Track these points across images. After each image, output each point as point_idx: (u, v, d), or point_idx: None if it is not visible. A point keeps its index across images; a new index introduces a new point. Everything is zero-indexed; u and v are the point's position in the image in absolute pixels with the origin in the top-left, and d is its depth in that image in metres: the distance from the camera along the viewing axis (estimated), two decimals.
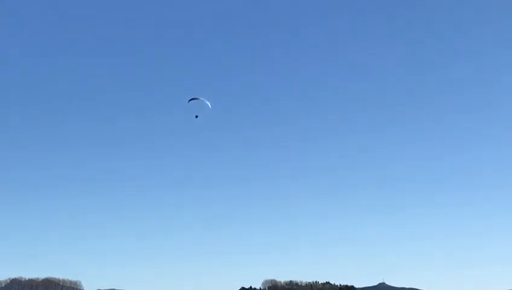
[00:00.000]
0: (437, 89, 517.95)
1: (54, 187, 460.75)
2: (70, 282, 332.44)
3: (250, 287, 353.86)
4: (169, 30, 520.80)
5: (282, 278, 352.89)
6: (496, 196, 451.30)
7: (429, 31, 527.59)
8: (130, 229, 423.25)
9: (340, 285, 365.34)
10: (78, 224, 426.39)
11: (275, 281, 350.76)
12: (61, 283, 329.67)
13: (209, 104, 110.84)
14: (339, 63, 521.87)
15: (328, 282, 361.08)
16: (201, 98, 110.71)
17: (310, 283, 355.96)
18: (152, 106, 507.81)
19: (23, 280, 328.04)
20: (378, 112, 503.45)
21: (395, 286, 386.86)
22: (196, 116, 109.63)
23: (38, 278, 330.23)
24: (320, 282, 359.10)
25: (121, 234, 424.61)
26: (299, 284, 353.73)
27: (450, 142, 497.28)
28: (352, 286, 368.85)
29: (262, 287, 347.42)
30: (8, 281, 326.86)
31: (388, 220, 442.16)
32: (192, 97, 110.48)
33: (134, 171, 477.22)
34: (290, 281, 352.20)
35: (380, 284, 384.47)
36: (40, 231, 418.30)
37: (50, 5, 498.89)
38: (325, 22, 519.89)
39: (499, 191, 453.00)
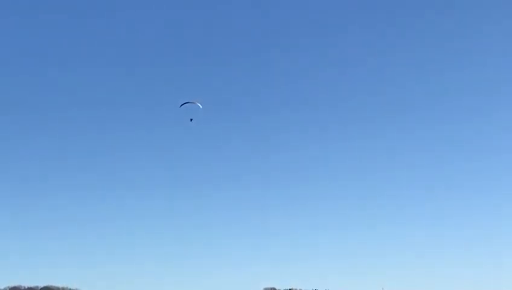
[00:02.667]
0: (440, 92, 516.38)
1: (53, 194, 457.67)
2: None
3: None
4: (169, 31, 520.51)
5: (282, 285, 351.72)
6: (499, 204, 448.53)
7: (430, 32, 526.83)
8: (129, 237, 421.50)
9: None
10: (78, 231, 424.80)
11: (274, 289, 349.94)
12: None
13: (200, 105, 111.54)
14: (338, 63, 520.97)
15: None
16: (192, 101, 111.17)
17: None
18: (150, 107, 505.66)
19: (22, 288, 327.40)
20: (379, 117, 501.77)
21: None
22: (191, 120, 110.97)
23: (37, 286, 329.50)
24: None
25: (121, 241, 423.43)
26: None
27: (451, 149, 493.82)
28: None
29: None
30: (8, 289, 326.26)
31: (388, 227, 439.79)
32: (183, 102, 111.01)
33: (133, 177, 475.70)
34: (290, 288, 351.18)
35: None
36: (39, 238, 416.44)
37: (52, 6, 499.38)
38: (325, 23, 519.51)
39: (502, 199, 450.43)
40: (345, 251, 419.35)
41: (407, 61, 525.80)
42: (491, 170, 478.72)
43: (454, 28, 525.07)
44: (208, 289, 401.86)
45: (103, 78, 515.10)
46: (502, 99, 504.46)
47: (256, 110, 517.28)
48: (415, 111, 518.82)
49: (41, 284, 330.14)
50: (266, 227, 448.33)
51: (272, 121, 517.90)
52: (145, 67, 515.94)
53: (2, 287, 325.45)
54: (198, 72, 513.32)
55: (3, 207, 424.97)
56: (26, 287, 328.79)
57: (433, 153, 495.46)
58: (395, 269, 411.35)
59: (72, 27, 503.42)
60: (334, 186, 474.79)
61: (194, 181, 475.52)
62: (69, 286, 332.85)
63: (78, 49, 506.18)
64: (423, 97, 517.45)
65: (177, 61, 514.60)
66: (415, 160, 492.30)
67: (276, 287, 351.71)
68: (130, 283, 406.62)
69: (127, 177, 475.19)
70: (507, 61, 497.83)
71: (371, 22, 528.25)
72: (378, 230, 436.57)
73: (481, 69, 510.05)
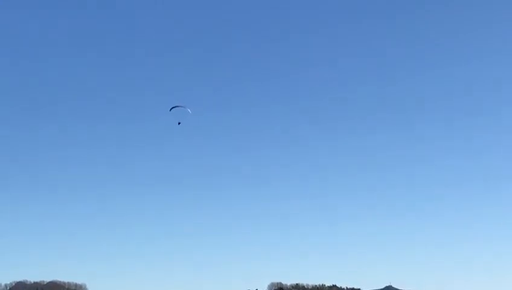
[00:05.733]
0: (439, 91, 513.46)
1: (59, 190, 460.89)
2: (76, 285, 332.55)
3: None
4: (167, 32, 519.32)
5: (289, 280, 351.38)
6: (503, 199, 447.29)
7: (428, 32, 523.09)
8: (134, 233, 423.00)
9: (346, 288, 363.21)
10: (84, 227, 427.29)
11: (281, 283, 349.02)
12: (66, 286, 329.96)
13: (189, 111, 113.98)
14: (335, 64, 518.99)
15: (335, 285, 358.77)
16: (181, 106, 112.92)
17: (316, 285, 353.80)
18: (149, 108, 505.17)
19: (28, 283, 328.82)
20: (382, 114, 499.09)
21: (402, 289, 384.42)
22: (179, 123, 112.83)
23: (43, 281, 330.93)
24: (326, 285, 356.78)
25: (125, 237, 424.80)
26: (306, 287, 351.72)
27: (455, 145, 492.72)
28: (359, 289, 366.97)
29: None
30: (13, 284, 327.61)
31: (395, 223, 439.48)
32: (173, 106, 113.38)
33: (137, 174, 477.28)
34: (297, 284, 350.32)
35: (386, 287, 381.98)
36: (45, 233, 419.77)
37: (53, 5, 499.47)
38: (322, 22, 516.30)
39: (506, 194, 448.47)
40: (352, 247, 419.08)
41: (405, 58, 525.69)
42: (493, 168, 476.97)
43: (451, 26, 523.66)
44: (215, 285, 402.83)
45: (100, 75, 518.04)
46: (502, 98, 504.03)
47: (257, 107, 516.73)
48: (414, 109, 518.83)
49: (47, 280, 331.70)
50: (273, 224, 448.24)
51: (273, 117, 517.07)
52: (144, 67, 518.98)
53: (8, 282, 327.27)
54: (196, 71, 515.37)
55: (8, 203, 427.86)
56: (31, 282, 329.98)
57: (436, 151, 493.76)
58: (401, 265, 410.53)
59: (71, 22, 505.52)
60: (339, 184, 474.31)
61: (199, 180, 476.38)
62: (75, 281, 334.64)
63: (77, 48, 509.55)
64: (422, 95, 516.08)
65: (171, 60, 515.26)
66: (417, 158, 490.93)
67: (283, 283, 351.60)
68: (135, 278, 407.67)
69: (133, 174, 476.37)
70: (507, 60, 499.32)
71: (366, 19, 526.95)
72: (384, 226, 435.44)
73: (481, 67, 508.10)
